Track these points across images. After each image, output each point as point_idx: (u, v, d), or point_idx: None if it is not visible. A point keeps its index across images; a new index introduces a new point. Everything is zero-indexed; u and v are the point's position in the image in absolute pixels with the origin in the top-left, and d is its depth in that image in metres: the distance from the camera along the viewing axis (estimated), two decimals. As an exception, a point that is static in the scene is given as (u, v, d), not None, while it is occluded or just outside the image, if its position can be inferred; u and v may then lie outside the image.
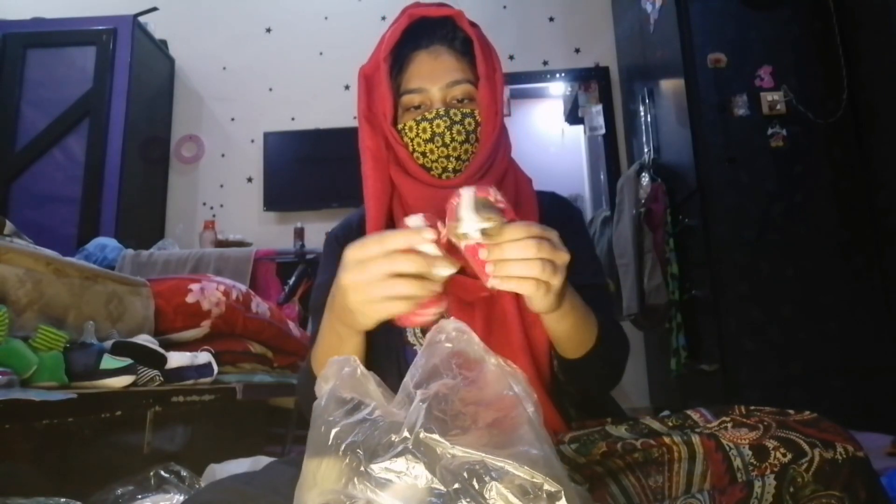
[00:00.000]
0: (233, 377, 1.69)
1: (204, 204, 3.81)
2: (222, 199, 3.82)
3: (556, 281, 0.57)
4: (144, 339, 1.41)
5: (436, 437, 0.42)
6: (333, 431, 0.45)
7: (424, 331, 0.78)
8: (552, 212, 0.86)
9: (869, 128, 2.43)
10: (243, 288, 1.89)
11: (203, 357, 1.50)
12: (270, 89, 3.90)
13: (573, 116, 4.11)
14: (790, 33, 2.56)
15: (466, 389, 0.47)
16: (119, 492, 1.17)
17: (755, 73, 2.53)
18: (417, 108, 0.81)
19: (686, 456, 0.57)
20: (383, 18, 3.80)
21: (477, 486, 0.41)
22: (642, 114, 3.16)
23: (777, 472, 0.52)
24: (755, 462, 0.53)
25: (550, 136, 5.05)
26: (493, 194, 0.58)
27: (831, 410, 0.57)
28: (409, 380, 0.48)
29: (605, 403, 0.84)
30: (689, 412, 0.65)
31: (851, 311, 2.32)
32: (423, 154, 0.80)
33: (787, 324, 2.34)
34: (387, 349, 0.79)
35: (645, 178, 2.99)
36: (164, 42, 3.83)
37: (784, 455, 0.53)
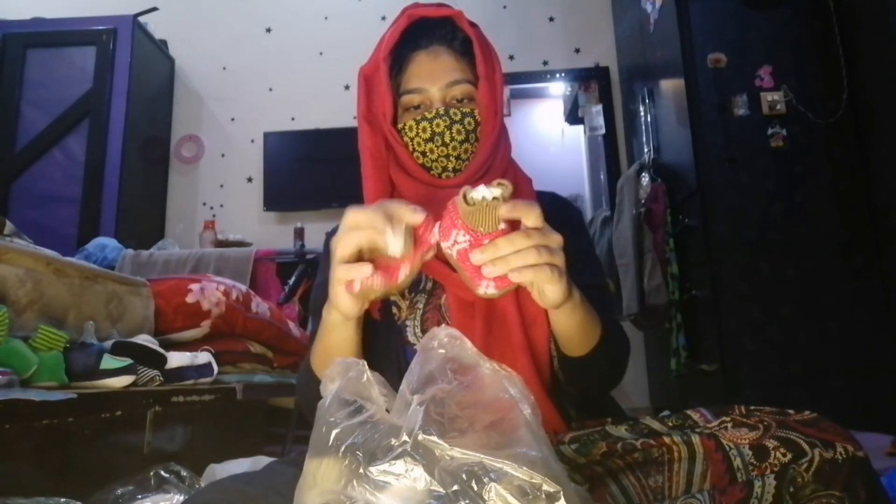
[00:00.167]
0: (233, 377, 1.69)
1: (204, 204, 3.81)
2: (222, 199, 3.82)
3: (557, 261, 0.57)
4: (144, 339, 1.41)
5: (434, 438, 0.42)
6: (334, 432, 0.46)
7: (425, 330, 0.79)
8: (552, 212, 0.86)
9: (869, 128, 2.43)
10: (243, 288, 1.89)
11: (203, 357, 1.50)
12: (270, 89, 3.90)
13: (573, 116, 4.11)
14: (790, 33, 2.56)
15: (462, 393, 0.47)
16: (119, 492, 1.17)
17: (755, 73, 2.53)
18: (417, 108, 0.82)
19: (686, 456, 0.57)
20: (383, 18, 3.80)
21: (476, 488, 0.41)
22: (642, 114, 3.16)
23: (777, 472, 0.52)
24: (755, 462, 0.54)
25: (550, 136, 5.05)
26: (505, 214, 0.59)
27: (831, 410, 0.57)
28: (405, 387, 0.48)
29: (605, 403, 0.84)
30: (689, 412, 0.65)
31: (851, 311, 2.32)
32: (423, 154, 0.80)
33: (787, 324, 2.34)
34: (387, 349, 0.79)
35: (645, 178, 2.99)
36: (164, 42, 3.83)
37: (784, 455, 0.53)
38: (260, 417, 2.19)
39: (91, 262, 2.32)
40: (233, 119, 3.90)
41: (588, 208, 4.35)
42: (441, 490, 0.41)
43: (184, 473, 1.29)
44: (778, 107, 2.48)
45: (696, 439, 0.57)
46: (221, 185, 3.83)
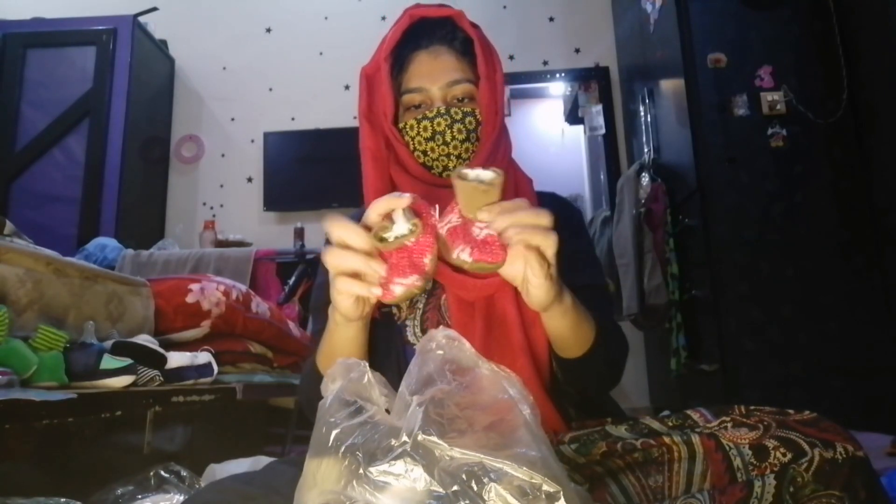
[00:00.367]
0: (233, 377, 1.69)
1: (204, 204, 3.81)
2: (222, 199, 3.82)
3: (547, 242, 0.58)
4: (144, 339, 1.41)
5: (434, 439, 0.42)
6: (334, 433, 0.46)
7: (425, 330, 0.79)
8: (552, 212, 0.86)
9: (869, 128, 2.43)
10: (243, 288, 1.89)
11: (203, 357, 1.50)
12: (270, 89, 3.90)
13: (573, 116, 4.11)
14: (790, 33, 2.56)
15: (462, 394, 0.47)
16: (119, 492, 1.18)
17: (755, 73, 2.53)
18: (418, 107, 0.82)
19: (686, 456, 0.57)
20: (383, 18, 3.81)
21: (476, 488, 0.41)
22: (642, 114, 3.16)
23: (777, 472, 0.52)
24: (755, 462, 0.53)
25: (550, 136, 5.05)
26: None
27: (831, 410, 0.57)
28: (404, 388, 0.48)
29: (605, 403, 0.84)
30: (689, 412, 0.65)
31: (851, 311, 2.32)
32: (424, 153, 0.81)
33: (787, 324, 2.34)
34: (387, 349, 0.79)
35: (645, 178, 2.99)
36: (164, 42, 3.83)
37: (784, 455, 0.53)
38: (260, 417, 2.19)
39: (91, 262, 2.32)
40: (233, 119, 3.90)
41: (588, 208, 4.35)
42: (441, 490, 0.41)
43: (184, 473, 1.29)
44: (778, 107, 2.48)
45: (695, 439, 0.57)
46: (221, 185, 3.83)
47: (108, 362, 1.22)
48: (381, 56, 0.82)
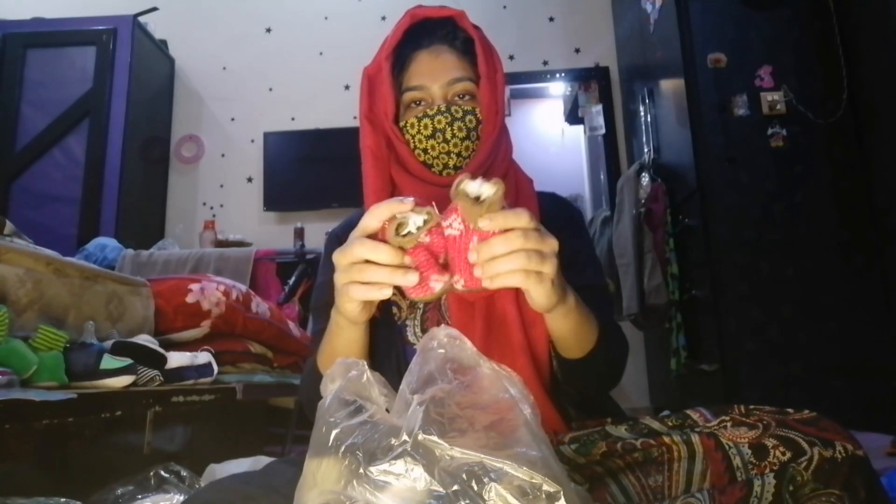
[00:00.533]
0: (233, 377, 1.69)
1: (204, 204, 3.82)
2: (222, 199, 3.82)
3: (547, 269, 0.57)
4: (144, 339, 1.41)
5: (434, 438, 0.42)
6: (334, 433, 0.46)
7: (425, 330, 0.79)
8: (552, 212, 0.87)
9: (869, 128, 2.43)
10: (243, 288, 1.89)
11: (203, 357, 1.50)
12: (270, 89, 3.90)
13: (573, 116, 4.11)
14: (790, 33, 2.56)
15: (462, 393, 0.47)
16: (119, 492, 1.18)
17: (755, 73, 2.53)
18: (418, 104, 0.82)
19: (686, 455, 0.57)
20: (383, 18, 3.81)
21: (476, 488, 0.41)
22: (642, 114, 3.16)
23: (776, 471, 0.52)
24: (754, 461, 0.53)
25: (550, 136, 5.05)
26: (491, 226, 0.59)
27: (831, 410, 0.57)
28: (405, 387, 0.48)
29: (605, 403, 0.84)
30: (688, 412, 0.65)
31: (851, 311, 2.32)
32: (425, 150, 0.81)
33: (787, 324, 2.33)
34: (387, 349, 0.79)
35: (645, 178, 2.99)
36: (164, 42, 3.83)
37: (783, 454, 0.53)
38: (260, 417, 2.19)
39: (91, 262, 2.32)
40: (233, 119, 3.90)
41: (588, 208, 4.35)
42: (441, 490, 0.41)
43: (184, 473, 1.29)
44: (778, 107, 2.48)
45: (695, 438, 0.57)
46: (221, 185, 3.83)
47: (108, 362, 1.22)
48: (382, 56, 0.82)
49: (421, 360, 0.50)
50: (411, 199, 0.58)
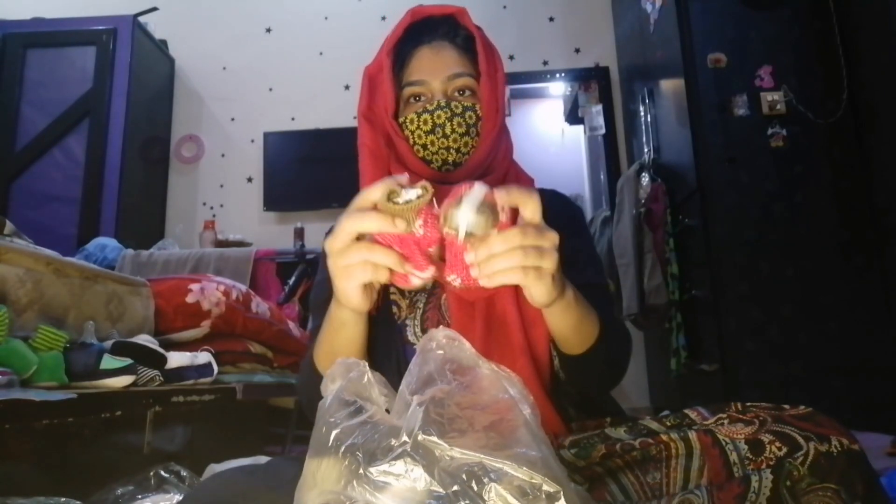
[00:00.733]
0: (233, 377, 1.69)
1: (204, 204, 3.82)
2: (222, 199, 3.82)
3: (546, 264, 0.56)
4: (144, 339, 1.41)
5: (434, 439, 0.42)
6: (334, 433, 0.46)
7: (425, 330, 0.79)
8: (553, 209, 0.86)
9: (869, 128, 2.43)
10: (243, 288, 1.89)
11: (203, 357, 1.50)
12: (270, 89, 3.90)
13: (573, 116, 4.11)
14: (790, 33, 2.56)
15: (462, 394, 0.47)
16: (119, 492, 1.18)
17: (755, 73, 2.53)
18: (418, 99, 0.82)
19: (683, 452, 0.57)
20: (383, 18, 3.81)
21: (476, 488, 0.41)
22: (642, 114, 3.16)
23: (773, 467, 0.52)
24: (751, 456, 0.54)
25: (550, 136, 5.05)
26: (500, 201, 0.58)
27: (831, 410, 0.57)
28: (404, 388, 0.48)
29: (605, 403, 0.84)
30: (686, 411, 0.65)
31: (851, 311, 2.32)
32: (424, 146, 0.80)
33: (787, 324, 2.34)
34: (387, 349, 0.79)
35: (645, 178, 2.99)
36: (164, 42, 3.83)
37: (780, 449, 0.53)
38: (260, 417, 2.19)
39: (91, 262, 2.32)
40: (233, 119, 3.90)
41: (588, 208, 4.35)
42: (441, 490, 0.41)
43: (184, 473, 1.29)
44: (778, 107, 2.48)
45: (692, 435, 0.57)
46: (221, 185, 3.83)
47: (108, 362, 1.22)
48: (383, 52, 0.82)
49: (420, 361, 0.50)
50: (405, 175, 0.58)
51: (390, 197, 0.56)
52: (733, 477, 0.54)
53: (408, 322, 0.80)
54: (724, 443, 0.55)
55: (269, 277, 3.00)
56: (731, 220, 2.45)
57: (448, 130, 0.79)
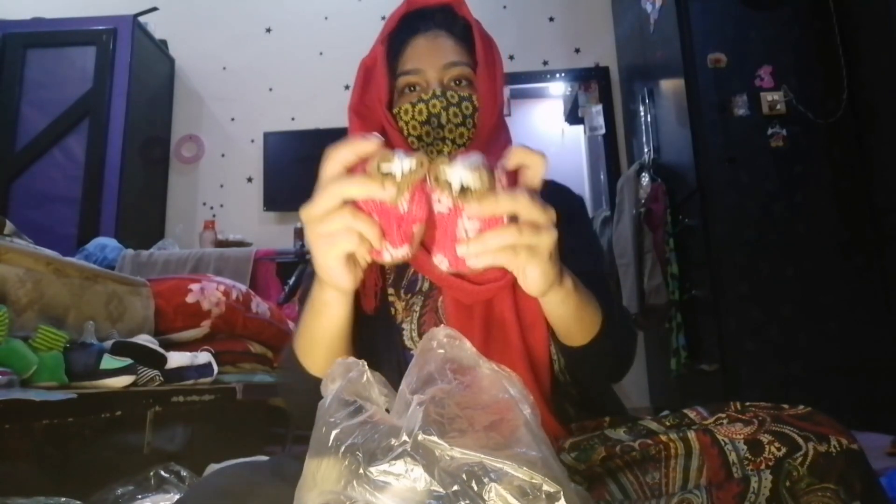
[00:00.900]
0: (233, 377, 1.69)
1: (204, 204, 3.82)
2: (222, 199, 3.82)
3: (542, 241, 0.53)
4: (144, 339, 1.41)
5: (434, 438, 0.42)
6: (334, 433, 0.45)
7: (422, 333, 0.78)
8: (552, 200, 0.85)
9: (869, 128, 2.43)
10: (243, 288, 1.89)
11: (203, 357, 1.50)
12: (270, 89, 3.90)
13: (573, 116, 4.11)
14: (790, 33, 2.56)
15: (462, 393, 0.47)
16: (119, 492, 1.18)
17: (755, 73, 2.53)
18: (413, 89, 0.80)
19: (682, 452, 0.57)
20: (383, 18, 3.76)
21: (476, 488, 0.41)
22: (642, 114, 3.16)
23: (772, 467, 0.52)
24: (750, 457, 0.53)
25: (550, 136, 5.05)
26: (505, 161, 0.55)
27: (831, 410, 0.57)
28: (404, 387, 0.48)
29: (606, 403, 0.83)
30: (686, 411, 0.64)
31: (851, 311, 2.32)
32: (419, 137, 0.78)
33: (787, 324, 2.34)
34: (386, 348, 0.78)
35: (645, 178, 2.99)
36: (164, 42, 3.83)
37: (779, 449, 0.53)
38: (260, 417, 2.19)
39: (91, 262, 2.32)
40: (233, 119, 3.90)
41: (588, 208, 4.34)
42: (441, 490, 0.41)
43: (184, 473, 1.29)
44: (778, 107, 2.48)
45: (691, 435, 0.57)
46: (221, 185, 3.83)
47: (108, 362, 1.22)
48: (378, 42, 0.80)
49: (420, 361, 0.49)
50: (376, 135, 0.53)
51: (380, 164, 0.51)
52: (732, 477, 0.53)
53: (404, 326, 0.78)
54: (723, 443, 0.55)
55: (269, 277, 3.00)
56: (731, 220, 2.45)
57: (444, 120, 0.77)
